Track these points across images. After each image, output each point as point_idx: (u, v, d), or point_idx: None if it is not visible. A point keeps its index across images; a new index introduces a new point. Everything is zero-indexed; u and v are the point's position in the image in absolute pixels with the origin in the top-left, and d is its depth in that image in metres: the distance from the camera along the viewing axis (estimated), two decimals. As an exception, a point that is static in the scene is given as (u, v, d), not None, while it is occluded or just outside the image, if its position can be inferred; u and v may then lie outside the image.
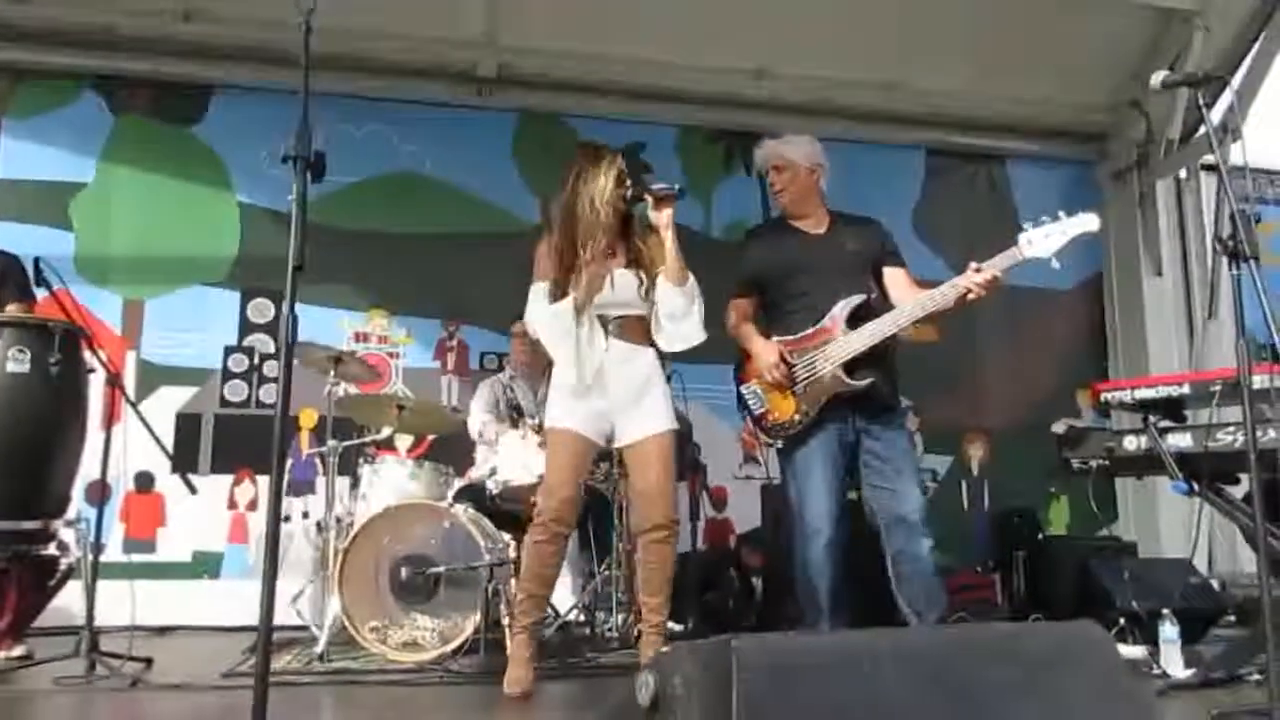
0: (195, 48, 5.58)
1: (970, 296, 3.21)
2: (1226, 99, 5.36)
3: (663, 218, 3.19)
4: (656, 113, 6.19)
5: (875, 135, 6.43)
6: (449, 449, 5.01)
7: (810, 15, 5.65)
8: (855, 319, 3.37)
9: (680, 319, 3.24)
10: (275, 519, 2.01)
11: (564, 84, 6.06)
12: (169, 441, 5.22)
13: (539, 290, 3.22)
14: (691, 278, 3.24)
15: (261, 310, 5.61)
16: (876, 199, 5.08)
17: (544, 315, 3.20)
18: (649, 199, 3.20)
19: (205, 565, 5.28)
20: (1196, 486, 3.26)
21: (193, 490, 3.93)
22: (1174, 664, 3.42)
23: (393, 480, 4.12)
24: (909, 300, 3.39)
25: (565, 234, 3.23)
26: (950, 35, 5.83)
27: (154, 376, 5.43)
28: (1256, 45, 5.81)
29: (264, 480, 5.30)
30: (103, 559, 3.53)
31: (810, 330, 3.43)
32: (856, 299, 3.39)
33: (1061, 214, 3.17)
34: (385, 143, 5.90)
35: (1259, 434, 2.62)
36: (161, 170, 5.62)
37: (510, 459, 4.14)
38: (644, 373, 3.25)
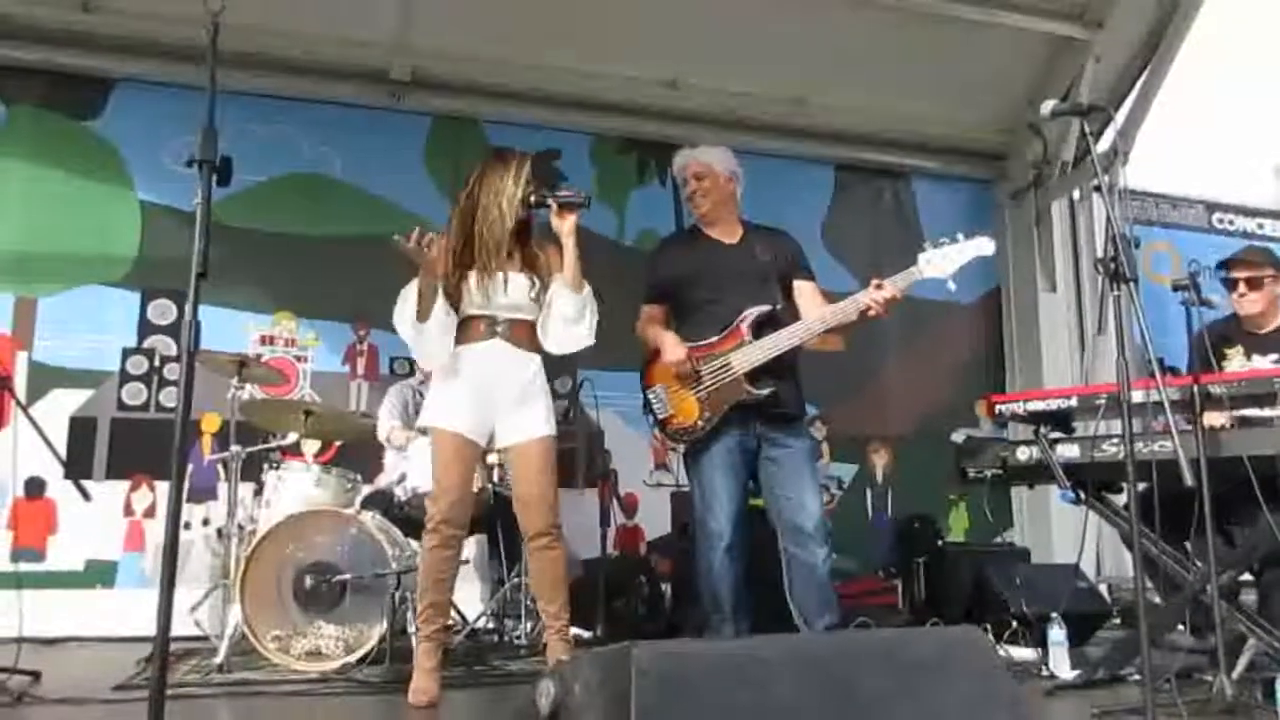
0: (94, 39, 5.39)
1: (871, 313, 3.31)
2: (1114, 126, 5.62)
3: (565, 225, 3.20)
4: (571, 120, 6.20)
5: (785, 149, 6.53)
6: (358, 455, 4.94)
7: (721, 28, 5.73)
8: (760, 328, 3.43)
9: (573, 323, 3.23)
10: (174, 524, 1.97)
11: (479, 89, 6.02)
12: (61, 446, 5.05)
13: (408, 290, 3.22)
14: (588, 288, 3.25)
15: (163, 311, 5.44)
16: (787, 212, 5.16)
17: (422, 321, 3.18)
18: (552, 204, 3.21)
19: (99, 574, 5.10)
20: (1082, 495, 3.41)
21: (86, 496, 3.79)
22: (1061, 665, 3.57)
23: (298, 487, 4.04)
24: (815, 313, 3.47)
25: (463, 233, 3.22)
26: (855, 53, 5.96)
27: (46, 378, 5.22)
28: (1144, 74, 6.11)
29: (163, 486, 5.15)
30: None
31: (716, 337, 3.48)
32: (763, 308, 3.46)
33: (960, 235, 3.30)
34: (293, 142, 5.78)
35: (1138, 445, 2.76)
36: (57, 165, 5.41)
37: (420, 465, 4.09)
38: (528, 377, 3.25)
